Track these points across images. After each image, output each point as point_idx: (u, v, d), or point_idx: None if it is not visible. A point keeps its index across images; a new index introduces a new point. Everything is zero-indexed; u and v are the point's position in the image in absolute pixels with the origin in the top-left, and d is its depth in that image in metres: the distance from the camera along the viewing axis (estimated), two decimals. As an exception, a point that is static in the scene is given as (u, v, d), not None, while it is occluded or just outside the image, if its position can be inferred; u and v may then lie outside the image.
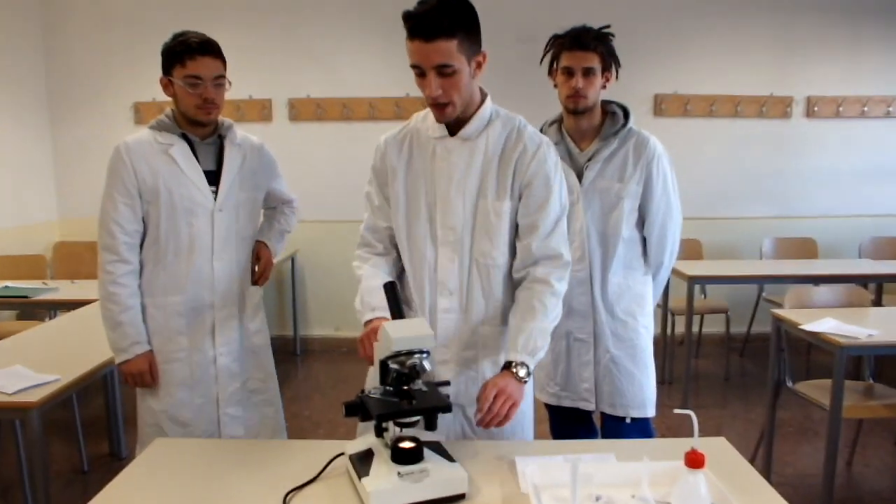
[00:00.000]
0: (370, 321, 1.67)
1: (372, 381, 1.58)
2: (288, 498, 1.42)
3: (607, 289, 2.28)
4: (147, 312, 2.13)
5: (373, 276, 1.77)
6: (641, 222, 2.29)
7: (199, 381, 2.15)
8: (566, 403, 2.39)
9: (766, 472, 3.15)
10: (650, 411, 2.32)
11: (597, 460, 1.55)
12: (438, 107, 1.67)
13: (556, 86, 2.28)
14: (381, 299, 1.65)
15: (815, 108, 5.35)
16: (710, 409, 4.15)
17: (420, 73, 1.62)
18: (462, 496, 1.40)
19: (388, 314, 1.61)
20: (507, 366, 1.64)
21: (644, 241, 2.32)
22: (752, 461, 3.29)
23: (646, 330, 2.34)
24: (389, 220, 1.81)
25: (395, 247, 1.84)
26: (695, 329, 5.02)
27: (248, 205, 2.21)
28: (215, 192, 2.13)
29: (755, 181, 5.44)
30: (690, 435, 1.30)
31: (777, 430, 3.33)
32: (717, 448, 1.64)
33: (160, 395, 2.15)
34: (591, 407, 2.34)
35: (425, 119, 1.81)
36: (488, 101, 1.77)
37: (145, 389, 2.17)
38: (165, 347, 2.14)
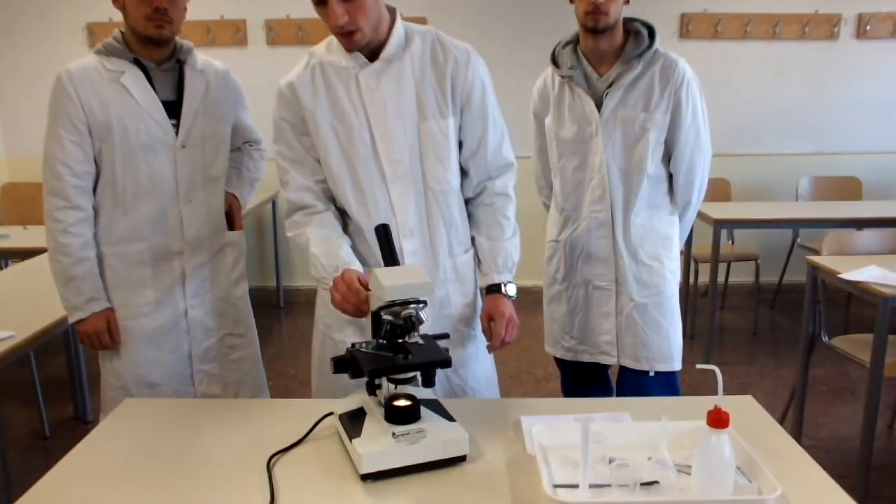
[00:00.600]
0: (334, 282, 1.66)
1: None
2: (272, 461, 1.44)
3: (630, 231, 2.28)
4: (105, 263, 2.11)
5: (324, 236, 1.76)
6: (667, 157, 2.28)
7: (168, 336, 2.16)
8: (584, 358, 2.41)
9: (797, 435, 3.21)
10: (677, 364, 2.35)
11: (610, 420, 1.57)
12: (346, 35, 1.68)
13: (571, 1, 2.23)
14: (345, 254, 1.69)
15: (868, 27, 5.25)
16: (737, 366, 4.20)
17: (319, 1, 1.63)
18: (462, 458, 1.42)
19: (359, 266, 1.67)
20: (496, 288, 1.80)
21: (670, 177, 2.30)
22: (781, 422, 3.34)
23: (672, 275, 2.35)
24: (318, 172, 1.80)
25: (334, 201, 1.84)
26: (721, 278, 5.06)
27: (214, 140, 2.18)
28: (176, 126, 2.09)
29: (793, 113, 5.40)
30: (714, 393, 1.30)
31: (810, 389, 3.40)
32: (744, 407, 1.66)
33: (124, 354, 2.15)
34: (612, 361, 2.36)
35: (330, 49, 1.79)
36: (399, 18, 1.77)
37: (106, 350, 2.17)
38: (129, 301, 2.13)
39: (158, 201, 2.09)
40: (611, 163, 2.25)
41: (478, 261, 1.92)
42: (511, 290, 1.85)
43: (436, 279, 1.83)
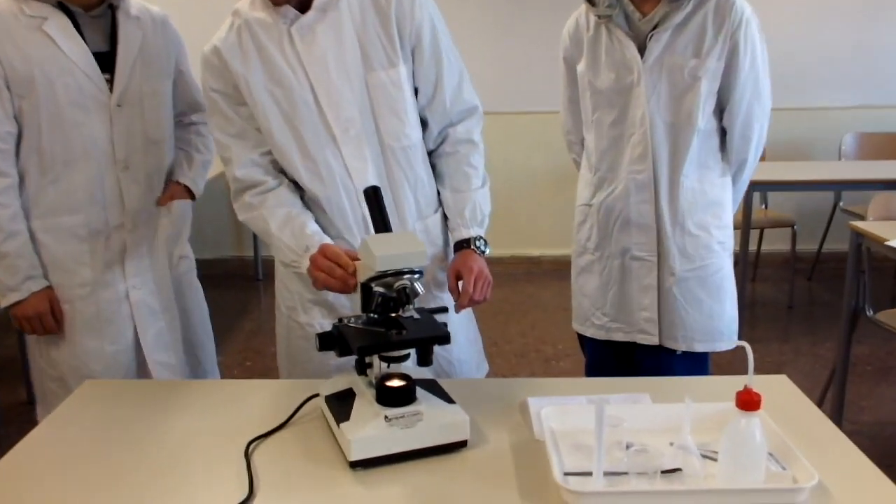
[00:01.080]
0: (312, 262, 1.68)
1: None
2: (250, 448, 1.45)
3: (677, 195, 2.23)
4: (35, 239, 2.06)
5: (283, 216, 1.76)
6: (720, 109, 2.24)
7: (109, 322, 2.13)
8: (618, 337, 2.39)
9: (837, 418, 3.23)
10: (719, 345, 2.33)
11: (628, 401, 1.58)
12: None
13: None
14: (312, 231, 1.70)
15: (920, -38, 5.21)
16: (770, 343, 4.23)
17: None
18: (463, 444, 1.43)
19: (329, 241, 1.69)
20: (465, 244, 1.82)
21: (723, 133, 2.27)
22: (819, 404, 3.36)
23: (721, 246, 2.31)
24: (263, 143, 1.80)
25: (285, 172, 1.83)
26: (752, 247, 5.06)
27: (154, 98, 2.14)
28: (110, 82, 2.05)
29: (836, 61, 5.36)
30: (744, 372, 1.30)
31: (852, 369, 3.39)
32: (777, 388, 1.67)
33: (60, 342, 2.12)
34: (652, 340, 2.33)
35: (254, 5, 1.77)
36: None
37: (44, 336, 2.12)
38: (64, 282, 2.10)
39: (92, 168, 2.05)
40: (654, 116, 2.19)
41: (444, 217, 1.95)
42: (482, 245, 1.87)
43: None
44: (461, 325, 1.97)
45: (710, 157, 2.27)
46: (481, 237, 1.89)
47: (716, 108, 2.22)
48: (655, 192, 2.24)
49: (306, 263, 1.69)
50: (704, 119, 2.19)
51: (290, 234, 1.74)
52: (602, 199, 2.34)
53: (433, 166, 1.93)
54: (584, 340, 2.54)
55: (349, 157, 1.77)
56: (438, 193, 1.95)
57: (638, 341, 2.37)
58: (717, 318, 2.32)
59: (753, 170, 2.35)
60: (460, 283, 1.80)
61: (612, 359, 2.48)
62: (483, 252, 1.87)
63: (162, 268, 2.22)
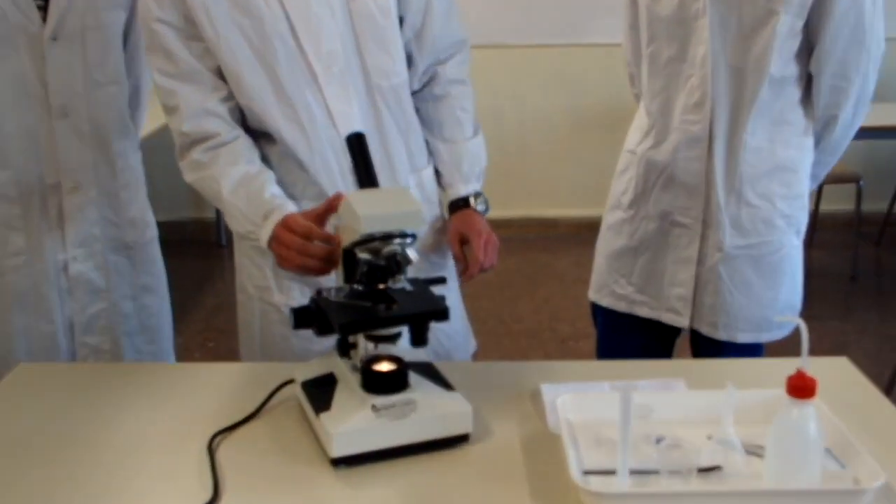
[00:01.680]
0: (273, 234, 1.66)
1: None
2: (214, 443, 1.45)
3: (737, 154, 2.18)
4: None
5: (238, 176, 1.75)
6: (808, 51, 2.18)
7: (42, 298, 2.12)
8: (642, 312, 2.38)
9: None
10: (766, 335, 2.30)
11: (659, 388, 1.58)
12: None
13: None
14: (271, 194, 1.70)
15: None
16: (828, 321, 4.23)
17: None
18: (465, 438, 1.44)
19: (293, 206, 1.69)
20: (464, 202, 1.87)
21: (809, 81, 2.22)
22: (887, 392, 3.37)
23: (786, 222, 2.26)
24: (219, 87, 1.78)
25: (242, 122, 1.82)
26: (810, 207, 5.03)
27: (101, 31, 2.09)
28: (44, 10, 2.01)
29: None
30: (796, 353, 1.29)
31: (924, 350, 3.41)
32: (837, 372, 1.67)
33: None
34: (682, 323, 2.31)
35: None
36: None
37: None
38: None
39: (22, 115, 2.03)
40: (718, 56, 2.13)
41: (436, 171, 1.98)
42: (481, 204, 1.91)
43: None
44: (447, 289, 1.94)
45: (790, 111, 2.20)
46: (480, 194, 1.93)
47: (801, 48, 2.14)
48: (710, 148, 2.19)
49: (266, 234, 1.67)
50: (781, 64, 2.11)
51: (245, 197, 1.72)
52: (647, 148, 2.30)
53: (418, 110, 1.94)
54: (598, 312, 2.53)
55: (332, 99, 1.77)
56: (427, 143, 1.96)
57: (664, 321, 2.35)
58: (767, 305, 2.28)
59: (851, 130, 2.27)
60: (466, 248, 1.82)
61: (634, 337, 2.46)
62: (484, 211, 1.91)
63: (112, 237, 2.20)
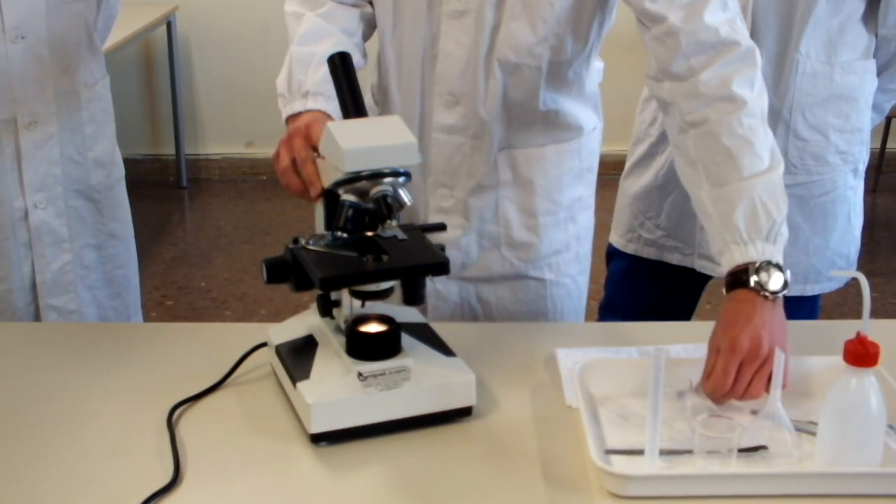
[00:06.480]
0: (299, 115, 1.64)
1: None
2: (175, 415, 1.43)
3: (787, 80, 2.14)
4: None
5: (315, 35, 1.74)
6: None
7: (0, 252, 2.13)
8: (673, 259, 2.35)
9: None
10: (817, 287, 2.25)
11: (695, 354, 1.52)
12: None
13: None
14: (323, 76, 1.62)
15: None
16: (894, 277, 4.18)
17: None
18: (467, 412, 1.41)
19: (332, 105, 1.62)
20: (736, 281, 1.45)
21: None
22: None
23: (841, 158, 2.21)
24: None
25: None
26: (874, 144, 4.99)
27: None
28: None
29: None
30: (856, 315, 1.26)
31: None
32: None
33: None
34: (715, 271, 2.27)
35: None
36: None
37: None
38: None
39: None
40: None
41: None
42: (768, 278, 1.42)
43: (481, 178, 1.80)
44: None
45: (849, 30, 2.14)
46: (772, 263, 1.44)
47: None
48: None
49: (288, 111, 1.68)
50: None
51: (302, 63, 1.72)
52: None
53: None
54: (615, 259, 2.50)
55: (445, 39, 1.73)
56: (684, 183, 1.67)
57: (696, 268, 2.31)
58: (814, 254, 2.23)
59: None
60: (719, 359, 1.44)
61: (661, 287, 2.42)
62: (773, 293, 1.43)
63: (76, 179, 2.16)
